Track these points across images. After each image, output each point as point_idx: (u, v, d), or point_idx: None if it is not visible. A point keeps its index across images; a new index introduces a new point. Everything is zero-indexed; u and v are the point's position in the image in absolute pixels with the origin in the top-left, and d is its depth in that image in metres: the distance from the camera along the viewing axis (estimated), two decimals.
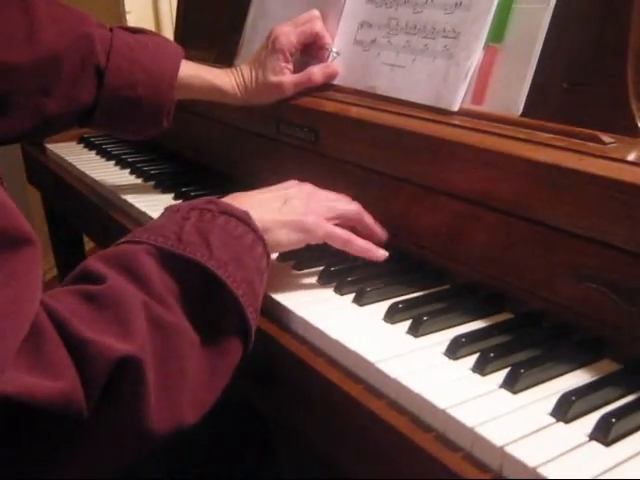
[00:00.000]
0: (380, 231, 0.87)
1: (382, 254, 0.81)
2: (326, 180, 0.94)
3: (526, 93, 0.79)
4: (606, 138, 0.69)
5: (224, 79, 1.05)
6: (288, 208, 0.79)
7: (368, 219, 0.86)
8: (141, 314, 0.59)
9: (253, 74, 1.04)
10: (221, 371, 0.66)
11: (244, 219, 0.71)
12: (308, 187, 0.85)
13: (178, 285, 0.63)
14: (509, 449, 0.53)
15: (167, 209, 0.74)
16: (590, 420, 0.56)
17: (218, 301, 0.66)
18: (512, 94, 0.80)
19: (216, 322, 0.65)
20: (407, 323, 0.71)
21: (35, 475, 0.55)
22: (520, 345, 0.67)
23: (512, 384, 0.61)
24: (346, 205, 0.85)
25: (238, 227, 0.70)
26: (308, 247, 0.81)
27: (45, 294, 0.57)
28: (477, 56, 0.83)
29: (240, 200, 0.77)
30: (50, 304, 0.55)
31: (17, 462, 0.54)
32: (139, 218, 1.08)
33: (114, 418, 0.57)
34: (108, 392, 0.54)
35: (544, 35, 0.78)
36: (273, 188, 0.84)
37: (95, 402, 0.54)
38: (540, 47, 0.78)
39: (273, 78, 1.02)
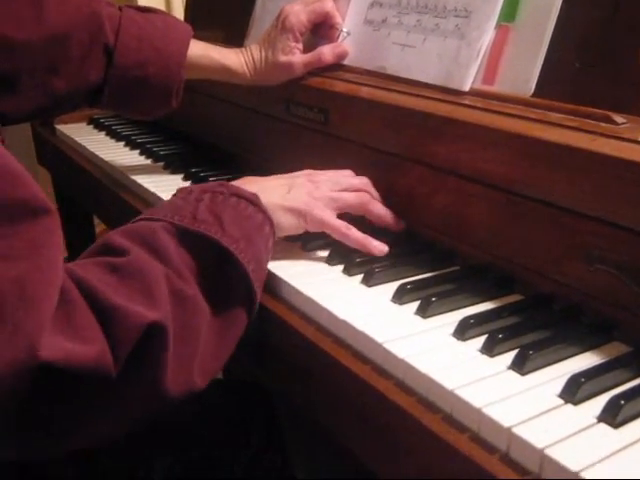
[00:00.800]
0: (391, 219, 0.87)
1: (379, 250, 0.81)
2: (336, 160, 0.94)
3: (538, 73, 0.78)
4: (618, 118, 0.68)
5: (233, 59, 1.05)
6: (292, 195, 0.81)
7: (376, 208, 0.86)
8: (163, 285, 0.62)
9: (263, 54, 1.04)
10: (228, 340, 0.69)
11: (254, 201, 0.75)
12: (317, 177, 0.86)
13: (193, 260, 0.67)
14: (516, 430, 0.52)
15: (179, 191, 0.77)
16: (599, 402, 0.56)
17: (229, 275, 0.69)
18: (524, 74, 0.79)
19: (226, 294, 0.69)
20: (415, 304, 0.71)
21: (67, 429, 0.59)
22: (529, 327, 0.67)
23: (520, 365, 0.60)
24: (351, 198, 0.85)
25: (248, 208, 0.74)
26: None
27: (70, 264, 0.59)
28: (488, 36, 0.83)
29: (249, 184, 0.80)
30: (77, 272, 0.58)
31: (51, 417, 0.57)
32: (149, 199, 1.08)
33: (137, 381, 0.59)
34: (134, 357, 0.57)
35: (556, 14, 0.77)
36: (282, 176, 0.86)
37: (122, 365, 0.56)
38: (552, 26, 0.77)
39: (283, 58, 1.01)
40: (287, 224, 0.80)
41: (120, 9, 1.01)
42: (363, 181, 0.88)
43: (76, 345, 0.54)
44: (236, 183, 0.79)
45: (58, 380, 0.53)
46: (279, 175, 0.86)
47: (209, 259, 0.68)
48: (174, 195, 0.77)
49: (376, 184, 0.88)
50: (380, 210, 0.87)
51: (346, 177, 0.88)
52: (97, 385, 0.56)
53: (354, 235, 0.81)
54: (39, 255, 0.54)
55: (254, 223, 0.73)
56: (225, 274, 0.69)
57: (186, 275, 0.65)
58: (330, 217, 0.82)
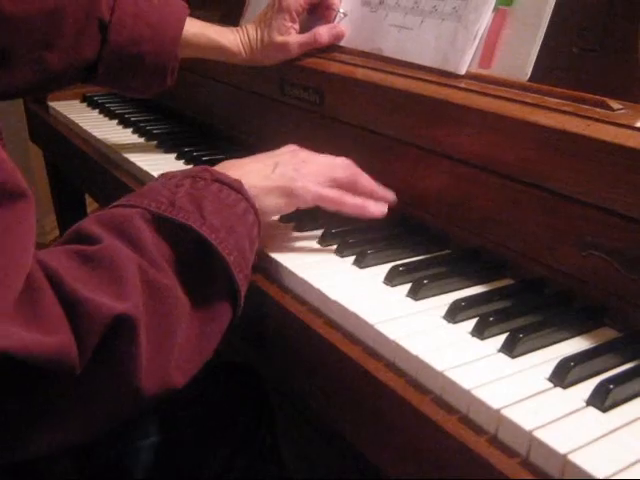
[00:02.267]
0: (382, 191, 0.84)
1: (379, 210, 0.79)
2: (330, 142, 0.94)
3: (535, 57, 0.78)
4: (614, 104, 0.68)
5: (229, 38, 1.04)
6: (277, 174, 0.78)
7: (365, 182, 0.83)
8: (135, 275, 0.59)
9: (259, 33, 1.03)
10: (210, 335, 0.66)
11: (237, 187, 0.71)
12: (303, 153, 0.83)
13: (171, 249, 0.64)
14: (506, 412, 0.53)
15: (160, 176, 0.74)
16: (588, 386, 0.56)
17: (209, 266, 0.66)
18: (521, 58, 0.78)
19: (207, 287, 0.66)
20: (407, 286, 0.71)
21: (28, 429, 0.55)
22: (520, 310, 0.67)
23: (511, 349, 0.60)
24: (339, 171, 0.82)
25: (231, 195, 0.70)
26: (310, 209, 0.81)
27: (40, 252, 0.56)
28: (486, 19, 0.82)
29: (232, 168, 0.76)
30: (46, 261, 0.55)
31: (10, 415, 0.54)
32: (141, 177, 1.08)
33: (106, 376, 0.57)
34: (102, 350, 0.54)
35: None
36: (265, 155, 0.83)
37: (88, 359, 0.54)
38: (551, 11, 0.77)
39: (278, 38, 1.01)
40: (274, 205, 0.77)
41: None
42: (346, 161, 0.84)
43: (38, 335, 0.51)
44: (218, 168, 0.76)
45: (16, 372, 0.51)
46: (263, 154, 0.83)
47: (187, 249, 0.65)
48: (155, 180, 0.74)
49: (370, 166, 0.88)
50: (370, 183, 0.83)
51: (329, 155, 0.85)
52: (60, 380, 0.54)
53: (350, 201, 0.79)
54: (9, 241, 0.51)
55: (236, 211, 0.69)
56: (205, 265, 0.66)
57: (162, 265, 0.62)
58: (321, 189, 0.78)
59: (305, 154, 0.83)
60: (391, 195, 0.84)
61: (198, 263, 0.65)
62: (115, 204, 0.68)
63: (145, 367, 0.58)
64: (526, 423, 0.51)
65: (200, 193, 0.68)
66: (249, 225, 0.70)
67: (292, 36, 1.01)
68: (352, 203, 0.79)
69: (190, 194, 0.67)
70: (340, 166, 0.83)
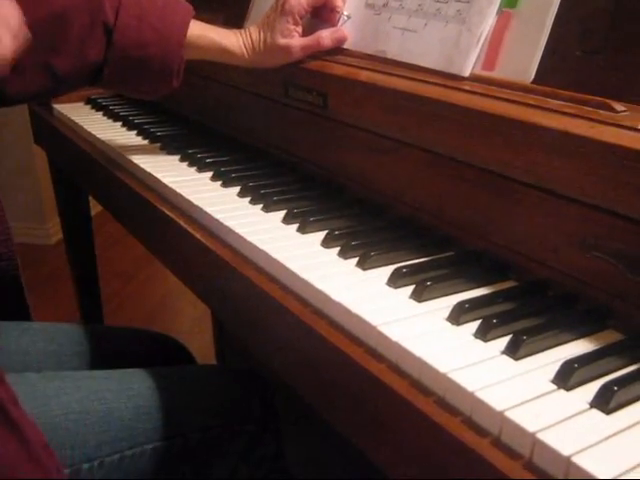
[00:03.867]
0: None
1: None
2: (334, 144, 0.94)
3: (538, 60, 0.77)
4: (618, 106, 0.68)
5: (232, 40, 1.04)
6: None
7: None
8: None
9: (261, 36, 1.03)
10: None
11: None
12: None
13: None
14: (509, 414, 0.52)
15: None
16: (591, 388, 0.56)
17: None
18: (524, 60, 0.78)
19: None
20: (410, 288, 0.71)
21: None
22: (524, 313, 0.67)
23: (514, 351, 0.60)
24: None
25: None
26: (313, 210, 0.81)
27: None
28: (490, 21, 0.82)
29: None
30: None
31: None
32: (145, 179, 1.08)
33: None
34: None
35: (559, 1, 0.77)
36: None
37: None
38: (554, 13, 0.77)
39: (281, 41, 1.01)
40: None
41: None
42: None
43: None
44: None
45: None
46: None
47: None
48: None
49: (374, 168, 0.88)
50: None
51: None
52: None
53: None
54: None
55: None
56: None
57: None
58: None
59: None
60: None
61: None
62: None
63: None
64: (529, 425, 0.51)
65: None
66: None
67: (295, 39, 1.01)
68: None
69: None
70: None
